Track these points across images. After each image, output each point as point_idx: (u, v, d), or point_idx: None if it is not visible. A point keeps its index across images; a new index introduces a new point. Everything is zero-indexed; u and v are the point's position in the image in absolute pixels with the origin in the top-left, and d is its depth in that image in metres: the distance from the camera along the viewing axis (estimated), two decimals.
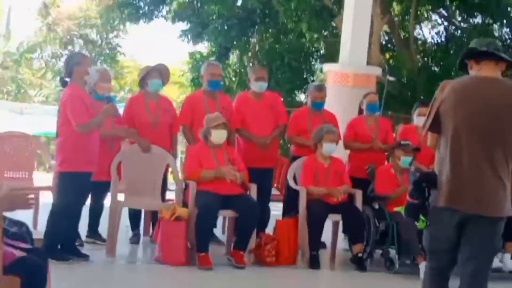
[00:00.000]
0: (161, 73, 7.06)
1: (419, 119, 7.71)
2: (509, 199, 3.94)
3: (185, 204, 6.51)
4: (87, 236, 6.91)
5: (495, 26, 20.11)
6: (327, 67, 11.99)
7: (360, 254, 6.73)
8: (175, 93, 25.94)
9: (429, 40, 22.39)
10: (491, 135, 3.85)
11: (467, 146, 3.84)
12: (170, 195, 7.28)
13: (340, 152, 7.52)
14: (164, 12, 21.76)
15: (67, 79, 6.10)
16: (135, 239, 7.11)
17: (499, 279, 6.48)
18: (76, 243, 6.34)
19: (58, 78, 6.14)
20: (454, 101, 3.88)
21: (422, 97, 17.43)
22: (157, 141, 6.86)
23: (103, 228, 6.85)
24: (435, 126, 3.96)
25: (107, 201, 6.87)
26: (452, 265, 4.18)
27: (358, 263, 6.67)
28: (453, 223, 3.92)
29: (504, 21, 19.05)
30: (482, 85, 3.90)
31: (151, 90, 6.98)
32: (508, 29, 20.04)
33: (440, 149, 3.97)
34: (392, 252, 6.68)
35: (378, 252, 6.98)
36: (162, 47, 58.00)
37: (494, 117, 3.84)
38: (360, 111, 7.86)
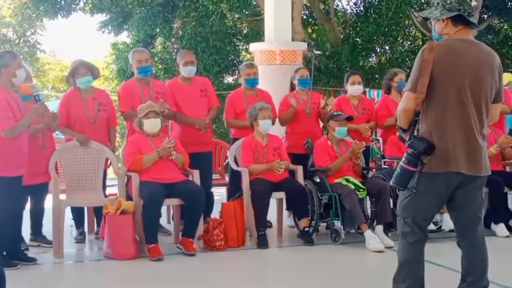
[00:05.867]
0: (90, 68, 6.92)
1: (353, 88, 7.85)
2: None
3: (129, 197, 6.48)
4: (31, 240, 6.77)
5: None
6: (253, 46, 11.96)
7: (307, 229, 6.84)
8: (100, 87, 25.57)
9: (349, 11, 22.69)
10: (480, 97, 3.96)
11: (466, 108, 3.92)
12: (109, 190, 7.20)
13: (276, 131, 7.60)
14: (81, 5, 21.39)
15: None
16: (80, 238, 7.00)
17: (441, 238, 6.71)
18: (22, 248, 6.23)
19: None
20: (452, 62, 3.93)
21: (347, 68, 17.69)
22: (96, 137, 6.78)
23: (46, 229, 6.76)
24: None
25: (47, 202, 6.75)
26: None
27: (306, 238, 6.77)
28: (450, 188, 3.98)
29: None
30: (472, 47, 4.01)
31: (82, 88, 6.88)
32: None
33: (436, 112, 3.96)
34: (337, 224, 6.81)
35: (323, 225, 7.12)
36: (83, 40, 56.95)
37: (485, 77, 3.96)
38: (292, 87, 7.91)
